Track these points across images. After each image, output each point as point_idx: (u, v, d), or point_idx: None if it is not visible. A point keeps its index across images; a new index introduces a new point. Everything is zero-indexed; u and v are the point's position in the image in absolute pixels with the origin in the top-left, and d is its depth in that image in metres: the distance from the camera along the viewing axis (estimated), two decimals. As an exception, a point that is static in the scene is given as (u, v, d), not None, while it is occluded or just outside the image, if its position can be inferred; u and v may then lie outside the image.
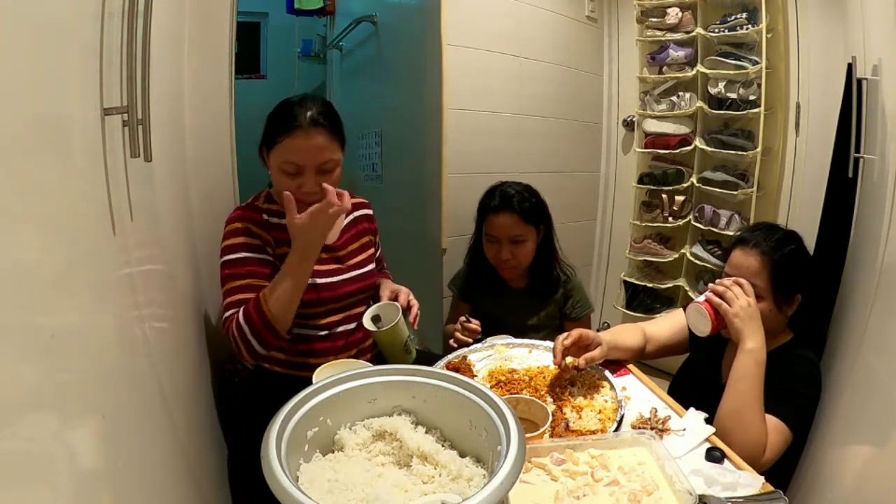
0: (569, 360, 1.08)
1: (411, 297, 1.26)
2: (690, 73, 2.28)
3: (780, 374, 1.01)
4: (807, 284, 1.08)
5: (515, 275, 1.55)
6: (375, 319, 1.18)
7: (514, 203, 1.46)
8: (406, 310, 1.22)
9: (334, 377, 0.77)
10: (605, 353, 1.09)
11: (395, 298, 1.25)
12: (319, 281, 1.18)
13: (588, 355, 1.06)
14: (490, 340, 1.29)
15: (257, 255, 1.08)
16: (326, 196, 0.99)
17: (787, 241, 1.08)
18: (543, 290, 1.56)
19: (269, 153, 1.10)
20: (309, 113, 1.06)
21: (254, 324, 1.00)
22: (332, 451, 0.74)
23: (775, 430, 0.95)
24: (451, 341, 1.36)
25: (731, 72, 2.16)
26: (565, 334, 1.08)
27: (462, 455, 0.73)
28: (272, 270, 1.09)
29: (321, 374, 0.98)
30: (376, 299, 1.31)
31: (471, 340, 1.32)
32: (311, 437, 0.72)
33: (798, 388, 1.00)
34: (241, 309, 1.02)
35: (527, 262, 1.52)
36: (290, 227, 1.00)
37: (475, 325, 1.34)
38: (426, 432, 0.76)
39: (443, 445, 0.75)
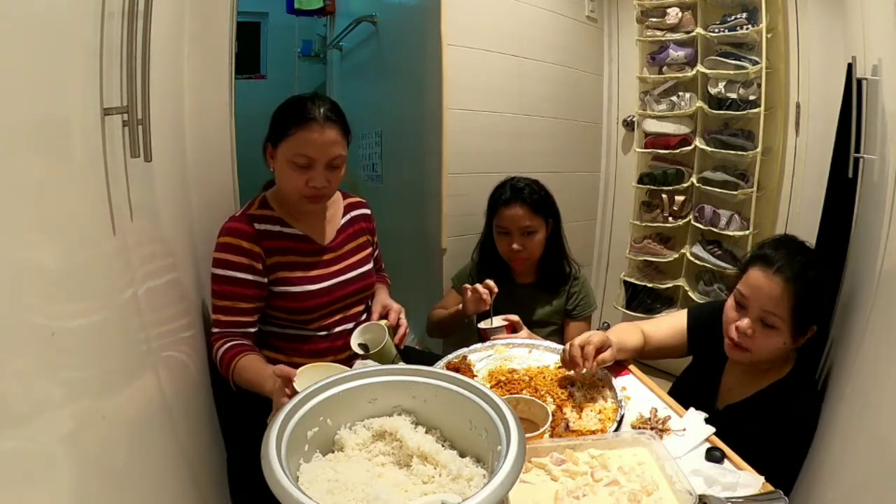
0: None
1: (402, 315, 1.27)
2: (690, 73, 2.28)
3: (778, 442, 0.97)
4: (825, 315, 1.00)
5: (526, 266, 1.58)
6: (362, 345, 1.19)
7: (524, 195, 1.52)
8: (394, 328, 1.22)
9: (334, 377, 0.76)
10: (615, 354, 1.09)
11: (385, 315, 1.26)
12: (314, 286, 1.18)
13: (601, 357, 1.06)
14: (496, 319, 1.31)
15: (241, 275, 1.10)
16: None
17: (812, 265, 0.97)
18: (552, 284, 1.60)
19: (278, 147, 1.11)
20: (322, 108, 1.10)
21: (220, 367, 1.09)
22: (332, 451, 0.74)
23: None
24: (467, 287, 1.38)
25: (731, 72, 2.15)
26: (584, 340, 1.07)
27: (462, 455, 0.73)
28: (255, 289, 1.12)
29: (302, 377, 0.96)
30: (370, 311, 1.31)
31: (487, 299, 1.34)
32: (311, 437, 0.72)
33: (791, 452, 0.96)
34: (225, 348, 1.08)
35: (537, 253, 1.56)
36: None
37: (495, 288, 1.36)
38: (426, 432, 0.77)
39: (443, 445, 0.75)
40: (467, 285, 1.39)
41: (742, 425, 1.02)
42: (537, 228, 1.53)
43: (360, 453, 0.73)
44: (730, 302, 1.06)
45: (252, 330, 1.14)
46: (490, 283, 1.36)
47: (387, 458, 0.73)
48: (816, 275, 0.97)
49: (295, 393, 0.81)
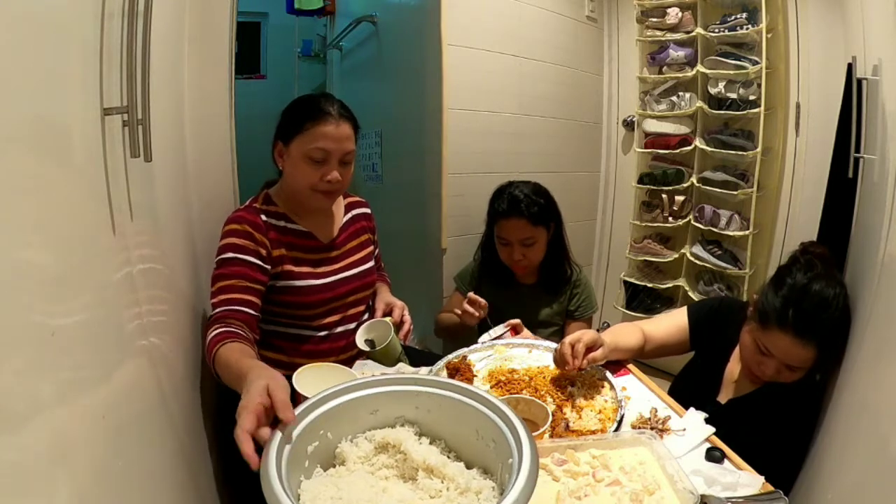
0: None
1: (405, 312, 1.27)
2: (690, 73, 2.28)
3: (784, 430, 0.98)
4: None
5: (528, 272, 1.59)
6: (368, 341, 1.18)
7: (522, 208, 1.51)
8: (398, 325, 1.23)
9: (333, 389, 0.74)
10: (606, 354, 1.09)
11: (389, 312, 1.26)
12: (318, 281, 1.18)
13: (591, 356, 1.06)
14: (496, 329, 1.31)
15: (247, 258, 1.09)
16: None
17: (844, 318, 0.95)
18: (553, 285, 1.61)
19: (290, 143, 1.12)
20: (336, 105, 1.13)
21: (205, 350, 0.96)
22: (334, 466, 0.71)
23: None
24: (457, 310, 1.41)
25: (731, 72, 2.15)
26: (575, 338, 1.06)
27: (468, 466, 0.71)
28: (260, 272, 1.10)
29: (302, 377, 0.94)
30: (371, 309, 1.31)
31: (478, 314, 1.37)
32: (312, 451, 0.69)
33: (791, 451, 0.98)
34: (212, 334, 0.96)
35: (538, 259, 1.57)
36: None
37: (483, 302, 1.38)
38: (430, 443, 0.74)
39: (448, 456, 0.72)
40: (457, 310, 1.42)
41: (744, 420, 1.03)
42: (538, 238, 1.53)
43: (362, 467, 0.70)
44: (749, 341, 1.04)
45: (252, 312, 1.05)
46: (479, 299, 1.39)
47: (390, 472, 0.70)
48: (844, 317, 0.95)
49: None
